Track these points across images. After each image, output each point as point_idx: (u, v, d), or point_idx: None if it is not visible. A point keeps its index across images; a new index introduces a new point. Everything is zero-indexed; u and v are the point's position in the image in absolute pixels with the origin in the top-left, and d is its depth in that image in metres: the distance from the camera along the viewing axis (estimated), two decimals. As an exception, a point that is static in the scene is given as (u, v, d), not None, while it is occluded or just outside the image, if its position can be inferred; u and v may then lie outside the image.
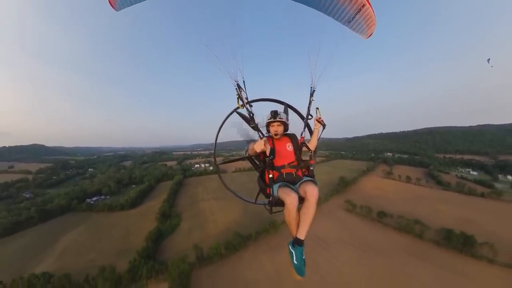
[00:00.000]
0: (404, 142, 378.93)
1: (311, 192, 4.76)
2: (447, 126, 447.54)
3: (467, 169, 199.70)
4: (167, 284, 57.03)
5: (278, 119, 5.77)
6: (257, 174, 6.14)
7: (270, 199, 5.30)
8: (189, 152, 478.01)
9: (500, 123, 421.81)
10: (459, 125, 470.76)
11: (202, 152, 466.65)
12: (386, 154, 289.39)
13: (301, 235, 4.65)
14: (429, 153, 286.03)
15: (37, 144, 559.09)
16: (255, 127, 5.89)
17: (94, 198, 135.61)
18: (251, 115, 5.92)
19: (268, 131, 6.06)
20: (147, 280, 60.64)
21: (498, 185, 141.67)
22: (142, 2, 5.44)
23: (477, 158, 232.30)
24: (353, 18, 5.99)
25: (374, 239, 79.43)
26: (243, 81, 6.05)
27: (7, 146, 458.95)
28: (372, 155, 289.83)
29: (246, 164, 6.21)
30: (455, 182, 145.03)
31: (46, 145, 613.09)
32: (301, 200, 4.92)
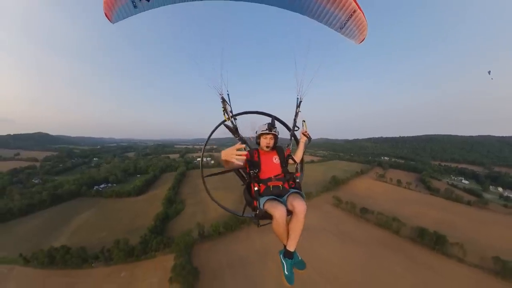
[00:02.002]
0: (402, 147, 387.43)
1: (300, 207, 4.75)
2: (447, 134, 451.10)
3: (460, 178, 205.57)
4: (173, 256, 66.74)
5: (272, 132, 5.75)
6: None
7: (257, 212, 5.19)
8: (191, 146, 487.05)
9: (502, 135, 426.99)
10: (459, 134, 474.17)
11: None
12: (382, 158, 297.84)
13: (291, 248, 4.81)
14: (425, 159, 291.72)
15: (41, 132, 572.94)
16: (241, 139, 6.08)
17: (102, 185, 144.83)
18: (236, 128, 6.14)
19: (258, 143, 6.00)
20: (155, 252, 70.98)
21: (487, 195, 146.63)
22: (138, 14, 5.55)
23: (472, 167, 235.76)
24: (345, 24, 6.09)
25: (354, 231, 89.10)
26: (227, 94, 6.12)
27: (11, 133, 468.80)
28: (370, 158, 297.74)
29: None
30: (444, 189, 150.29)
31: (50, 133, 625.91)
32: (289, 212, 4.90)
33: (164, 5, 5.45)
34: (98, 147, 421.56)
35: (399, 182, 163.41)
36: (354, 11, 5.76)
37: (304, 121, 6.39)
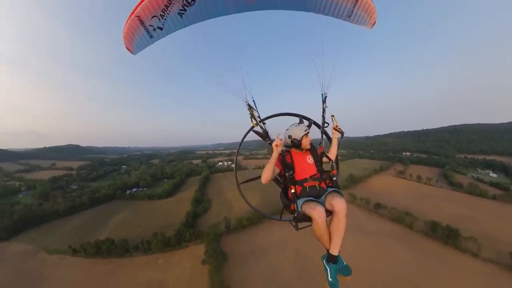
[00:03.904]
0: (425, 141, 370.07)
1: (339, 205, 4.60)
2: (475, 123, 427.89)
3: (487, 171, 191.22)
4: (203, 245, 75.98)
5: (309, 130, 5.63)
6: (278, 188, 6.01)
7: (295, 215, 5.03)
8: (211, 152, 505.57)
9: None
10: (488, 122, 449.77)
11: (223, 151, 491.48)
12: (403, 154, 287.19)
13: (335, 251, 4.64)
14: (450, 152, 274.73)
15: (72, 144, 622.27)
16: (271, 143, 5.49)
17: (134, 189, 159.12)
18: (266, 132, 6.01)
19: (290, 145, 5.77)
20: (188, 243, 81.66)
21: None
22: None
23: (501, 159, 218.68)
24: (352, 12, 5.97)
25: (366, 224, 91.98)
26: (253, 100, 6.07)
27: (47, 146, 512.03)
28: (390, 154, 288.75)
29: (267, 162, 5.45)
30: (468, 183, 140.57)
31: (80, 145, 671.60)
32: (328, 212, 4.77)
33: (176, 30, 5.68)
34: (125, 155, 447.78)
35: (419, 178, 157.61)
36: None
37: (333, 116, 6.15)
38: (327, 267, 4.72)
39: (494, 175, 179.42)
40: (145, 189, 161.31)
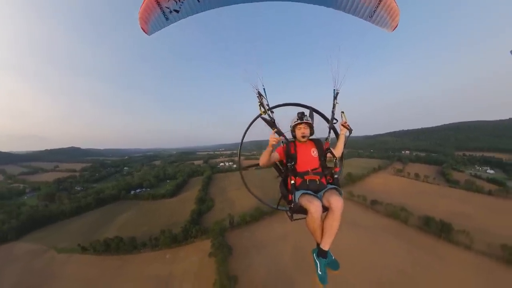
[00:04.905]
0: (424, 139, 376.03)
1: (336, 203, 4.63)
2: (474, 121, 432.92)
3: (485, 167, 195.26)
4: (209, 241, 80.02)
5: (304, 121, 5.71)
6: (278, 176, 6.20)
7: (292, 206, 5.13)
8: (212, 152, 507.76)
9: None
10: (488, 119, 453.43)
11: (224, 152, 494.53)
12: (402, 152, 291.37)
13: (326, 247, 4.73)
14: (449, 150, 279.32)
15: (73, 146, 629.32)
16: (278, 132, 5.83)
17: (138, 190, 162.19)
18: (273, 120, 5.95)
19: (294, 136, 5.96)
20: (194, 239, 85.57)
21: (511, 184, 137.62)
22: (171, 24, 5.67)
23: (499, 155, 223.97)
24: (374, 12, 5.84)
25: (361, 219, 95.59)
26: (263, 89, 6.08)
27: (49, 149, 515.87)
28: (390, 153, 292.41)
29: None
30: (464, 180, 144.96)
31: (81, 147, 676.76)
32: (325, 209, 4.81)
33: (192, 14, 5.68)
34: (126, 157, 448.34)
35: (417, 176, 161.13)
36: None
37: (343, 112, 6.11)
38: (317, 261, 4.89)
39: (492, 171, 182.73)
40: (148, 189, 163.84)
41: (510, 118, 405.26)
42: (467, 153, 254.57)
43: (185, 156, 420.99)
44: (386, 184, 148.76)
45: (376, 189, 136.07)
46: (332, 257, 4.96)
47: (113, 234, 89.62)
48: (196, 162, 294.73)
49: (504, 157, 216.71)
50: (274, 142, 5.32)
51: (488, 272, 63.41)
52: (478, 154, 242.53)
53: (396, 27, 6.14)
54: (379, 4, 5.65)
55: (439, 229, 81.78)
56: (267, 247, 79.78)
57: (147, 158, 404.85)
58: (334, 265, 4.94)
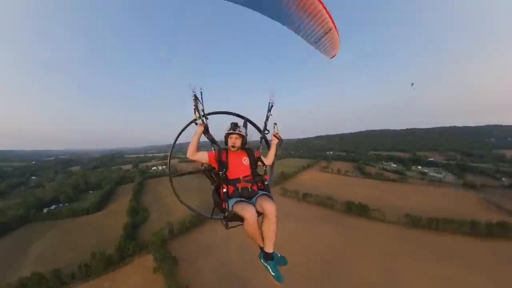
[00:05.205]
0: (346, 142, 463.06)
1: (269, 208, 4.89)
2: (382, 129, 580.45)
3: (390, 162, 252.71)
4: (150, 256, 76.53)
5: (237, 132, 5.80)
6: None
7: (226, 214, 5.20)
8: (142, 155, 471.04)
9: (425, 127, 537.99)
10: (391, 128, 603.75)
11: (157, 154, 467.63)
12: (327, 153, 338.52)
13: (270, 249, 4.94)
14: (363, 150, 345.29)
15: None
16: (211, 139, 5.99)
17: (53, 206, 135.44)
18: (206, 127, 5.89)
19: (226, 143, 6.01)
20: (132, 256, 79.31)
21: (409, 173, 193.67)
22: None
23: (400, 154, 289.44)
24: (320, 39, 6.45)
25: (297, 211, 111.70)
26: (201, 92, 5.96)
27: None
28: (317, 153, 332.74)
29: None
30: (375, 172, 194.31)
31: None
32: (259, 213, 5.01)
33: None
34: (33, 162, 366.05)
35: (339, 171, 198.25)
36: (330, 29, 6.24)
37: (276, 124, 6.40)
38: (266, 265, 5.01)
39: (395, 165, 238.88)
40: (67, 204, 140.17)
41: (407, 129, 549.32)
42: (377, 153, 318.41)
43: (110, 160, 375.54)
44: (314, 179, 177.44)
45: (306, 184, 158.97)
46: (278, 255, 5.15)
47: (29, 270, 70.57)
48: (124, 167, 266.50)
49: (402, 155, 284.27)
50: (201, 127, 5.68)
51: (399, 235, 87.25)
52: (384, 153, 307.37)
53: (334, 56, 7.12)
54: (326, 33, 6.37)
55: (359, 210, 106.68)
56: (213, 251, 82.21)
57: (62, 163, 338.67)
58: (282, 261, 5.13)
